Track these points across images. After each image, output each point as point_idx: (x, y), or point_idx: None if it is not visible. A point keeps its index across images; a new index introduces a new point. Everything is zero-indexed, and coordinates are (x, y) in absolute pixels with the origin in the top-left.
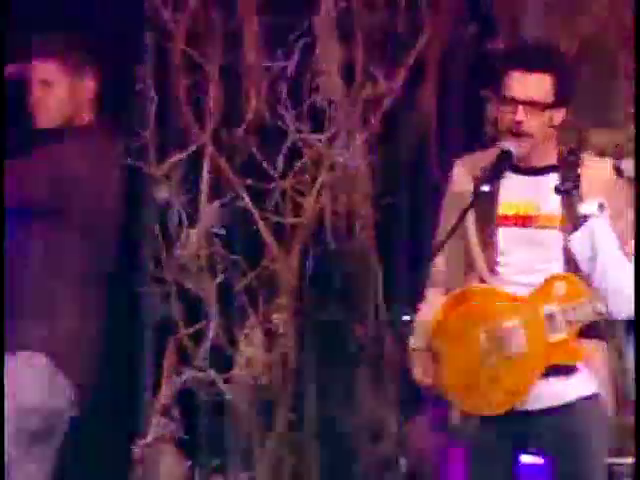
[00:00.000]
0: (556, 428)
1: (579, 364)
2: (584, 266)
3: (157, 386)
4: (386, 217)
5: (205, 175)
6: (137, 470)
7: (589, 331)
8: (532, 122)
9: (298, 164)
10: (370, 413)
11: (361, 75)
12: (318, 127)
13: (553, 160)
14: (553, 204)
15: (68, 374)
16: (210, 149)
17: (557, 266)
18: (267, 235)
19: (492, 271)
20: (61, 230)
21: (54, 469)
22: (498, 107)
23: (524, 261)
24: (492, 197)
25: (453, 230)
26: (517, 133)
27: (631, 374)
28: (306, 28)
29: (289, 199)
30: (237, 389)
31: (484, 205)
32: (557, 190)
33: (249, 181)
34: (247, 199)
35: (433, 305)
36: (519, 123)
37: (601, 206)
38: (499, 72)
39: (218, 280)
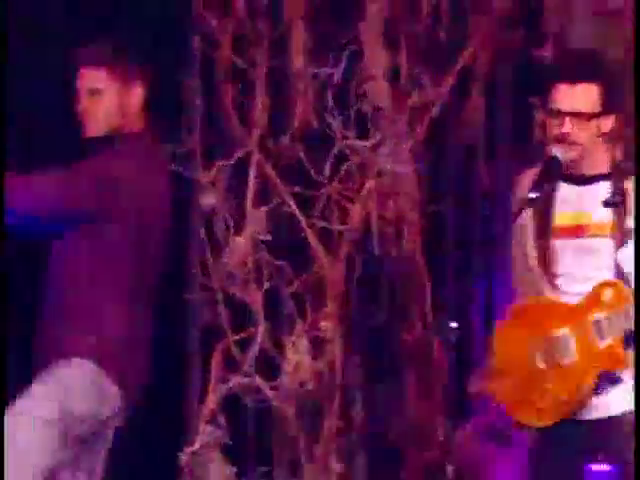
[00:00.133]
0: (606, 439)
1: (624, 374)
2: (632, 277)
3: (204, 393)
4: (433, 224)
5: (251, 181)
6: (184, 477)
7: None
8: (580, 132)
9: (344, 169)
10: (417, 419)
11: (408, 82)
12: (365, 134)
13: (604, 169)
14: (603, 212)
15: (116, 381)
16: (257, 155)
17: (608, 274)
18: (314, 241)
19: (550, 283)
20: (110, 237)
21: (102, 476)
22: (546, 118)
23: (578, 271)
24: (547, 209)
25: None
26: (565, 143)
27: None
28: (353, 34)
29: (336, 205)
30: (284, 396)
31: (540, 217)
32: (606, 204)
33: (296, 187)
34: (294, 205)
35: None
36: (566, 134)
37: None
38: (545, 84)
39: (265, 287)
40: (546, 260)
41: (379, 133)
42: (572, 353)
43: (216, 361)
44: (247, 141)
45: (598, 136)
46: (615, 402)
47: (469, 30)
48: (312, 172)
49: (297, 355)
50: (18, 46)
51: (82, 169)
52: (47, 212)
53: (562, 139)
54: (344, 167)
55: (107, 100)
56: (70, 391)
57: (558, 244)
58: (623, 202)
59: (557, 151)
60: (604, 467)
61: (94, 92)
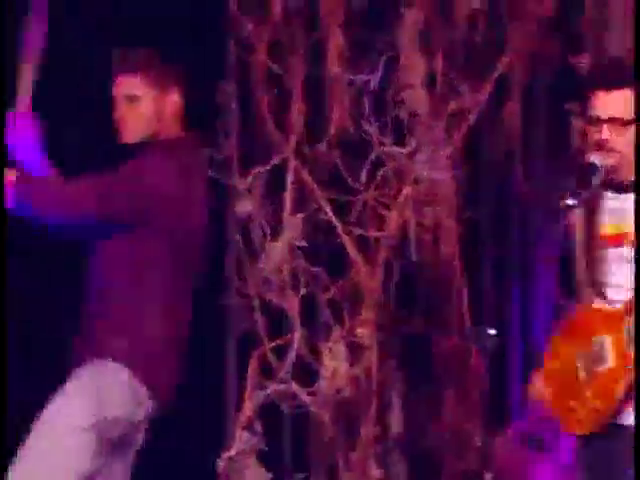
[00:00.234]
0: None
1: None
2: None
3: (241, 399)
4: (470, 231)
5: (288, 188)
6: None
7: None
8: (618, 138)
9: (380, 176)
10: (455, 426)
11: (445, 88)
12: (402, 140)
13: None
14: None
15: (149, 385)
16: (293, 162)
17: None
18: (350, 248)
19: (598, 293)
20: (146, 243)
21: None
22: (584, 125)
23: (621, 279)
24: (593, 219)
25: None
26: (604, 150)
27: None
28: (390, 41)
29: (372, 212)
30: (321, 402)
31: (588, 228)
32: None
33: (332, 194)
34: (330, 212)
35: None
36: (605, 141)
37: None
38: (583, 91)
39: (301, 293)
40: (593, 269)
41: (416, 140)
42: (608, 360)
43: (253, 368)
44: (284, 147)
45: (634, 142)
46: None
47: (506, 36)
48: (349, 178)
49: (334, 361)
50: (56, 53)
51: (118, 175)
52: (82, 218)
53: (601, 146)
54: (381, 173)
55: (143, 106)
56: (104, 394)
57: (605, 253)
58: None
59: (595, 158)
60: None
61: (131, 99)
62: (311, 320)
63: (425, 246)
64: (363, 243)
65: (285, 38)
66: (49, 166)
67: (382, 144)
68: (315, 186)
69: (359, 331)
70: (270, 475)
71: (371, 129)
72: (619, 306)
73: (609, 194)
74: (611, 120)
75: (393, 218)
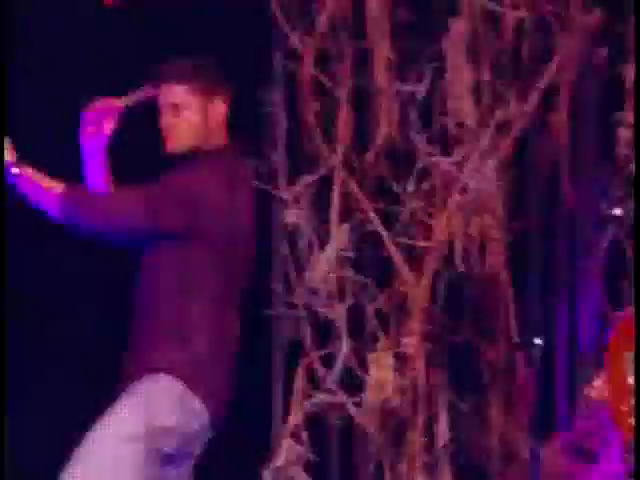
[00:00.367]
0: None
1: None
2: None
3: (287, 409)
4: (518, 241)
5: (335, 198)
6: None
7: None
8: None
9: (427, 186)
10: (502, 436)
11: (491, 98)
12: (448, 150)
13: None
14: None
15: (202, 397)
16: (340, 172)
17: None
18: (397, 258)
19: None
20: (193, 254)
21: None
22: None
23: None
24: None
25: None
26: None
27: None
28: (436, 50)
29: (419, 222)
30: (367, 412)
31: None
32: None
33: (379, 204)
34: (377, 222)
35: None
36: None
37: None
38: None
39: (348, 303)
40: None
41: (463, 149)
42: None
43: (299, 378)
44: (331, 158)
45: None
46: None
47: (554, 46)
48: (396, 188)
49: (381, 371)
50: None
51: (166, 187)
52: (127, 228)
53: None
54: (427, 183)
55: (189, 116)
56: (156, 405)
57: None
58: None
59: None
60: None
61: (176, 108)
62: (358, 330)
63: (472, 256)
64: (410, 253)
65: (331, 48)
66: (108, 174)
67: (429, 154)
68: (362, 196)
69: (406, 341)
70: None
71: (418, 139)
72: None
73: None
74: None
75: (440, 228)
